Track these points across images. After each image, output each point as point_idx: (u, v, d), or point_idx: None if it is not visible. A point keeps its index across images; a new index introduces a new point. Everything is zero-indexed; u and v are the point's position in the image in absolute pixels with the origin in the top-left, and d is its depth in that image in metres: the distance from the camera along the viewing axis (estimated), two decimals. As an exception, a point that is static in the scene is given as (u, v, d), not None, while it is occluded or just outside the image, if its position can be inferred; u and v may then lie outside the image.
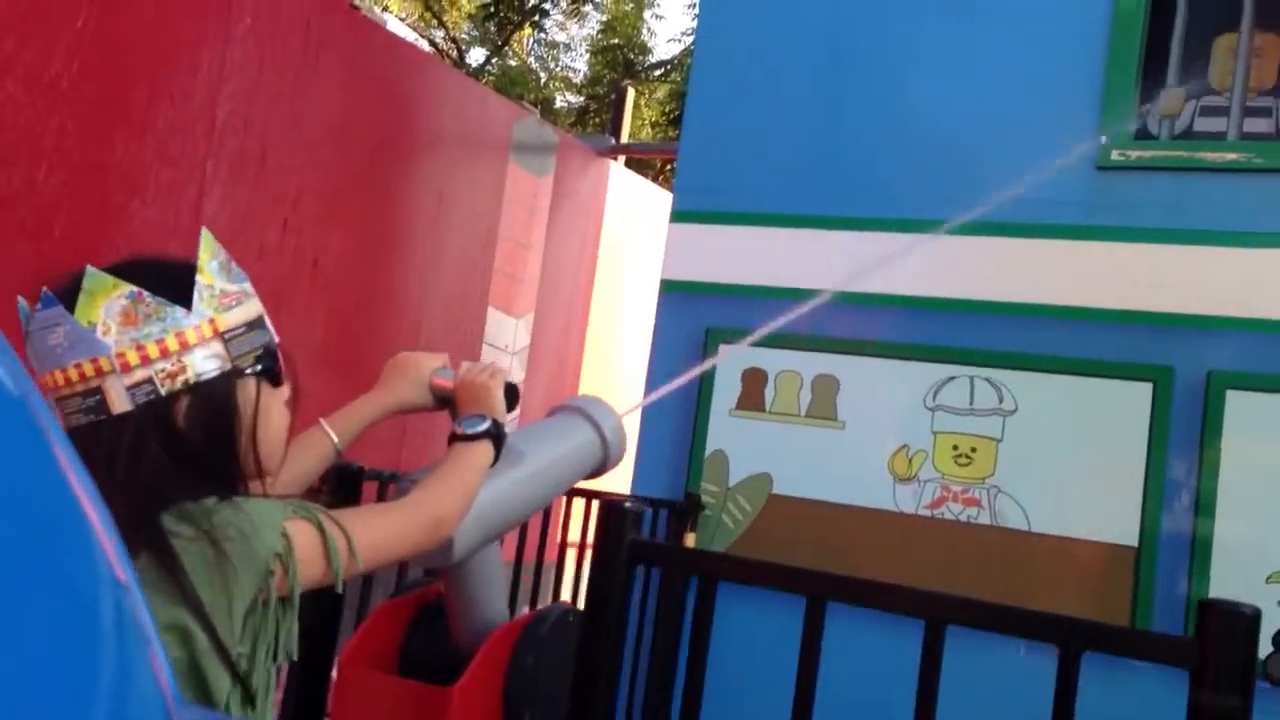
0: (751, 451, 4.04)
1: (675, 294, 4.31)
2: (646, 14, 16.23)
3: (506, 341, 6.23)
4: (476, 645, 1.67)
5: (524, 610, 3.39)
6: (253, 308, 1.38)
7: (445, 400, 1.72)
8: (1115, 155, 3.80)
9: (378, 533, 1.37)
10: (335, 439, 1.68)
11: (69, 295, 1.26)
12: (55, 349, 1.25)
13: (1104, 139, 3.78)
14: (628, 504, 1.43)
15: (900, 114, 4.09)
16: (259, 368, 1.36)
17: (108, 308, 1.25)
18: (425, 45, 16.51)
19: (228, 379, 1.32)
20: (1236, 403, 3.48)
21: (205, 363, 1.30)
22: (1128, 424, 3.59)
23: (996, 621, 1.26)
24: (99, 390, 1.24)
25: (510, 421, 1.67)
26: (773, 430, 4.02)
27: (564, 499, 3.67)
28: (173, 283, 1.30)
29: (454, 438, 1.62)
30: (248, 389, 1.34)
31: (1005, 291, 3.83)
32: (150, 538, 1.19)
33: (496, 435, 1.63)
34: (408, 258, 5.58)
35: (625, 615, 1.43)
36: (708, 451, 4.09)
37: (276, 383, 1.39)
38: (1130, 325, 3.66)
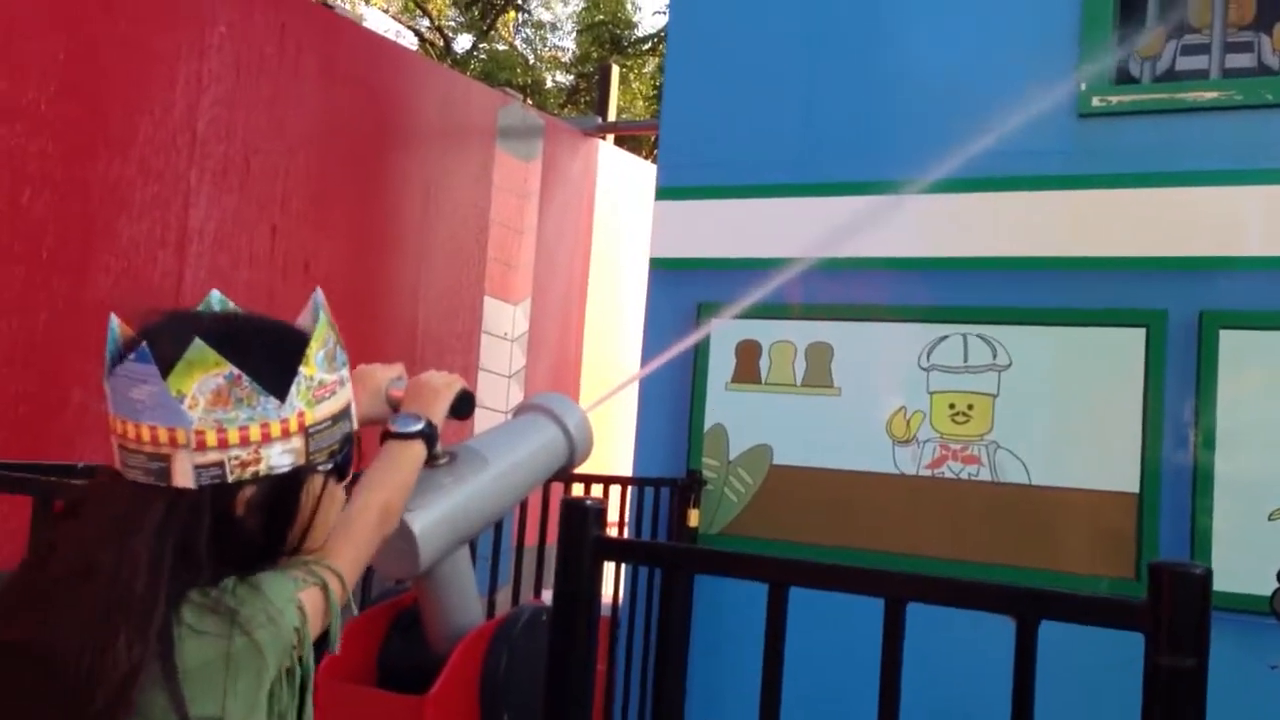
0: (750, 424, 4.04)
1: (664, 271, 4.31)
2: (630, -13, 16.17)
3: (505, 329, 6.24)
4: (452, 651, 1.68)
5: (531, 598, 3.41)
6: (343, 396, 1.35)
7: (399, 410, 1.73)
8: (1096, 102, 3.77)
9: (352, 562, 1.37)
10: None
11: (167, 358, 1.20)
12: (135, 403, 1.21)
13: (1084, 85, 3.76)
14: (589, 501, 1.44)
15: (878, 74, 4.07)
16: (330, 465, 1.32)
17: (202, 383, 1.21)
18: (411, 36, 16.46)
19: (298, 474, 1.28)
20: (1230, 342, 3.47)
21: (281, 457, 1.26)
22: (1122, 370, 3.58)
23: (953, 596, 1.26)
24: (166, 459, 1.21)
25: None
26: (770, 401, 4.03)
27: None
28: (276, 369, 1.25)
29: (386, 435, 1.62)
30: (314, 484, 1.31)
31: (993, 246, 3.81)
32: (163, 631, 1.16)
33: (429, 436, 1.63)
34: (399, 253, 5.59)
35: (594, 612, 1.44)
36: (706, 427, 4.09)
37: (344, 478, 1.35)
38: (1120, 272, 3.64)
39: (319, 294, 1.37)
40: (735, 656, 3.77)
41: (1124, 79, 3.87)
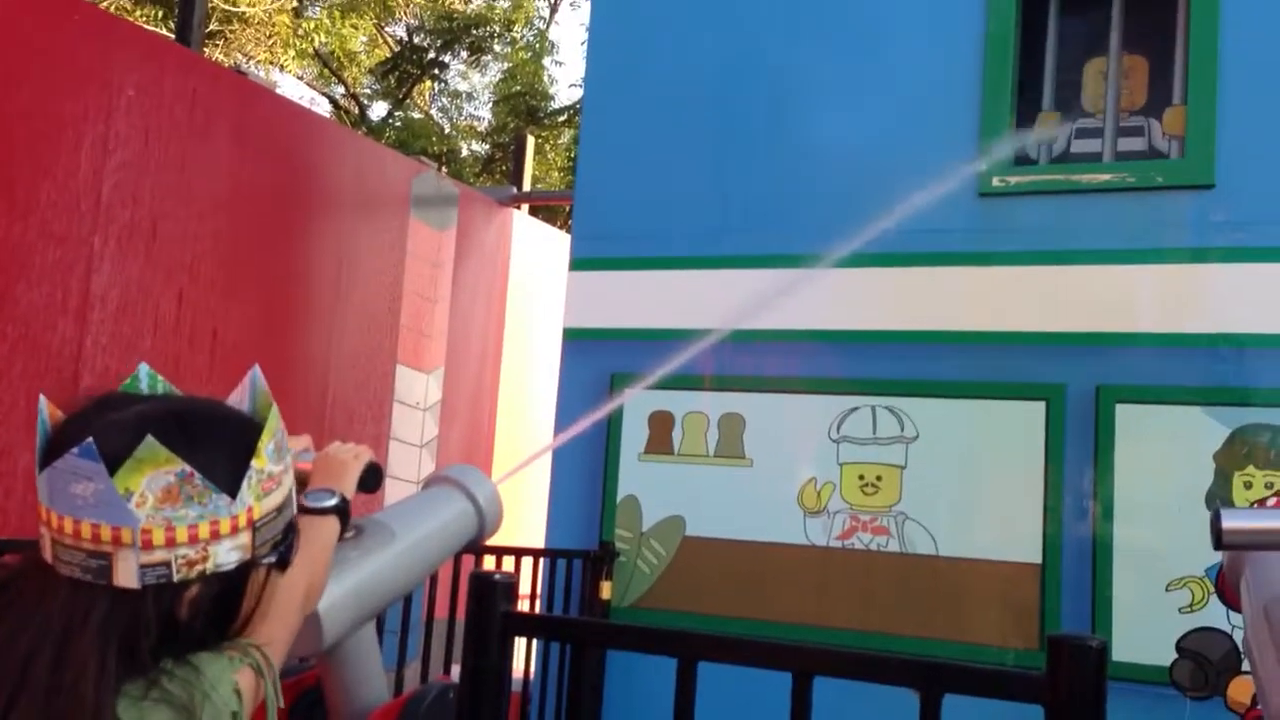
0: (663, 495, 4.05)
1: (578, 341, 4.33)
2: (546, 61, 16.35)
3: (417, 398, 6.18)
4: (356, 731, 1.65)
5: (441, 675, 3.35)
6: (287, 484, 1.32)
7: (306, 484, 1.71)
8: (995, 182, 3.90)
9: (283, 642, 1.34)
10: None
11: (114, 453, 1.15)
12: (75, 498, 1.15)
13: (984, 166, 3.89)
14: (498, 576, 1.43)
15: (789, 152, 4.17)
16: (273, 557, 1.29)
17: (151, 480, 1.16)
18: (325, 103, 16.43)
19: (243, 570, 1.25)
20: (1126, 415, 3.58)
21: (228, 554, 1.22)
22: (1024, 443, 3.67)
23: (859, 670, 1.28)
24: (108, 557, 1.15)
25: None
26: (683, 472, 4.04)
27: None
28: (228, 464, 1.22)
29: (300, 510, 1.55)
30: (257, 578, 1.28)
31: (900, 320, 3.90)
32: None
33: (343, 511, 1.62)
34: (311, 321, 5.53)
35: (503, 690, 1.43)
36: (619, 498, 4.09)
37: (285, 567, 1.32)
38: (1020, 346, 3.75)
39: (257, 372, 1.34)
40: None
41: (1022, 160, 4.01)
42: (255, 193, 5.19)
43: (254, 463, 1.24)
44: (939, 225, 3.86)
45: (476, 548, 2.11)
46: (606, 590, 3.94)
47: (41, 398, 1.24)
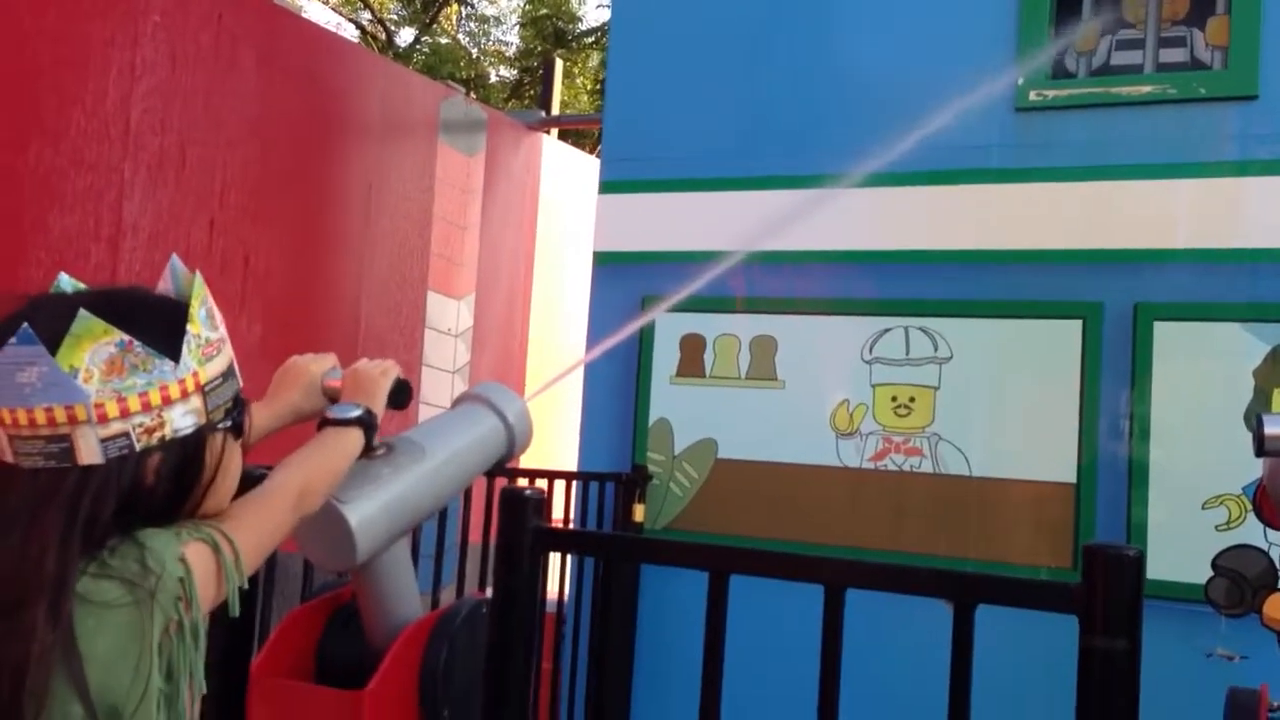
0: (695, 418, 4.04)
1: (609, 265, 4.30)
2: (573, -19, 16.10)
3: (449, 324, 6.19)
4: (390, 645, 1.67)
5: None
6: (227, 353, 1.34)
7: (337, 401, 1.71)
8: (1033, 96, 3.81)
9: (256, 531, 1.34)
10: None
11: (52, 335, 1.17)
12: (24, 387, 1.17)
13: (1020, 80, 3.80)
14: (528, 491, 1.43)
15: (820, 69, 4.09)
16: (229, 422, 1.33)
17: (93, 354, 1.18)
18: (352, 29, 16.28)
19: (200, 434, 1.28)
20: (1164, 333, 3.53)
21: (184, 419, 1.25)
22: (1060, 362, 3.62)
23: (891, 582, 1.27)
24: (68, 438, 1.18)
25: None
26: (714, 395, 4.03)
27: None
28: (165, 331, 1.24)
29: (324, 422, 1.62)
30: (215, 443, 1.31)
31: (934, 240, 3.85)
32: (68, 607, 1.14)
33: (368, 424, 1.62)
34: (341, 247, 5.53)
35: (535, 604, 1.44)
36: (651, 421, 4.09)
37: (240, 434, 1.35)
38: (1057, 264, 3.69)
39: (175, 259, 1.36)
40: (681, 660, 3.77)
41: (1060, 74, 3.92)
42: (284, 118, 5.17)
43: (189, 328, 1.26)
44: (975, 141, 3.79)
45: (509, 471, 2.12)
46: (639, 513, 3.96)
47: None
